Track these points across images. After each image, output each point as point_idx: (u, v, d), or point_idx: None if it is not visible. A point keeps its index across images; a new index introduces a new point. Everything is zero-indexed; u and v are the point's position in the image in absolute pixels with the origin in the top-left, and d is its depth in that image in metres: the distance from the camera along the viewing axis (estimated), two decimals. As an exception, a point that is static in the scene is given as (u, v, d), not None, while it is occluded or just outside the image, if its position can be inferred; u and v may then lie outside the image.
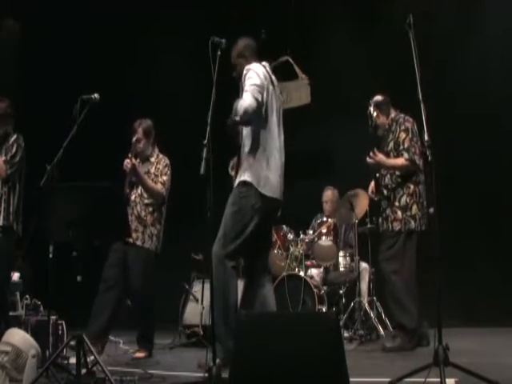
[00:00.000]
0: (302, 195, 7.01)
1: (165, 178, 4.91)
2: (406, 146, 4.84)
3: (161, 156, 5.02)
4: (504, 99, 6.76)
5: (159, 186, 4.86)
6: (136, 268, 4.75)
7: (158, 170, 4.92)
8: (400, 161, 4.85)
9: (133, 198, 4.85)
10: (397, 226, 4.81)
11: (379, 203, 5.05)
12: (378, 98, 5.10)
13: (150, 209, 4.85)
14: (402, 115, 5.01)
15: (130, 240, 4.74)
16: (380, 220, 4.96)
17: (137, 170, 4.74)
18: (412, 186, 4.85)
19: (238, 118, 3.61)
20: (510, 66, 6.75)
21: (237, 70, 3.90)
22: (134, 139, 4.89)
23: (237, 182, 3.78)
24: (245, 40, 3.98)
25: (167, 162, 4.99)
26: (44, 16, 7.62)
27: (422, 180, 4.90)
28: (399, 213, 4.82)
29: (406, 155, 4.82)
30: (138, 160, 4.86)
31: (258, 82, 3.68)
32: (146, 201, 4.85)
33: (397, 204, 4.85)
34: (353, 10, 7.52)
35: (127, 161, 4.70)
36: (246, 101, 3.59)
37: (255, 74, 3.72)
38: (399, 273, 4.75)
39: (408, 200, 4.83)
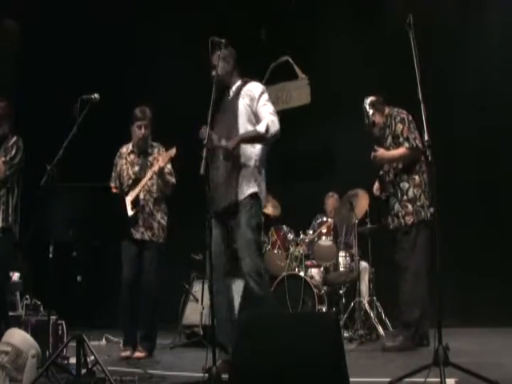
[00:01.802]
0: (302, 195, 7.01)
1: (169, 166, 4.87)
2: (405, 135, 4.82)
3: (155, 144, 4.99)
4: (504, 102, 6.75)
5: (171, 178, 4.89)
6: (153, 266, 4.78)
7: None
8: (401, 150, 4.82)
9: (142, 196, 4.81)
10: (409, 220, 4.79)
11: (381, 203, 5.04)
12: (372, 98, 5.10)
13: (158, 202, 4.88)
14: (396, 109, 5.00)
15: (146, 237, 4.74)
16: (389, 218, 4.92)
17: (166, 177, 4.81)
18: (417, 177, 4.83)
19: (268, 136, 3.79)
20: (510, 66, 6.74)
21: (221, 74, 3.89)
22: (142, 128, 4.85)
23: (246, 194, 3.81)
24: (230, 48, 4.01)
25: (163, 148, 4.94)
26: (44, 16, 7.62)
27: (425, 168, 4.89)
28: (409, 206, 4.79)
29: (406, 144, 4.80)
30: (135, 153, 4.89)
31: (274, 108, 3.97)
32: (155, 195, 4.87)
33: (405, 198, 4.82)
34: (353, 10, 7.52)
35: (154, 169, 4.67)
36: (277, 126, 3.82)
37: (268, 96, 4.00)
38: (410, 265, 4.74)
39: (415, 191, 4.80)
